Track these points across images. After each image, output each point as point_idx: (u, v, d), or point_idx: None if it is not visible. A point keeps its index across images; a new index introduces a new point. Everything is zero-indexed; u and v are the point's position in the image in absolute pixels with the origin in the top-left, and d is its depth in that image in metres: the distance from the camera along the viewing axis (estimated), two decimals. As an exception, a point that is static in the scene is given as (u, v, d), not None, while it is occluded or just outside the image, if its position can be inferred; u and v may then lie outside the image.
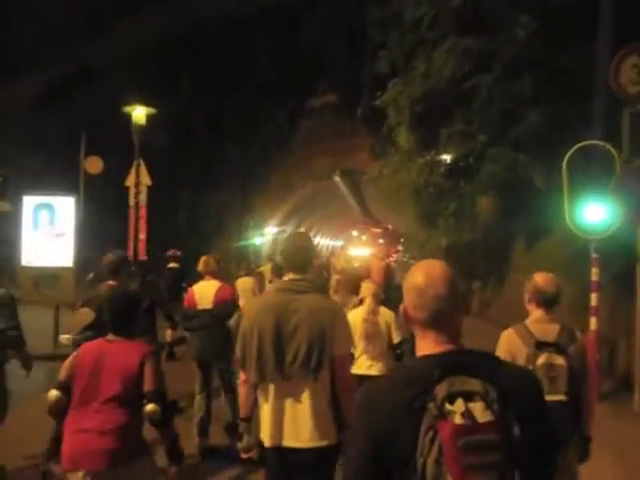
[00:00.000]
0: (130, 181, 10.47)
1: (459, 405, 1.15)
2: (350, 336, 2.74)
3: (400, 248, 39.99)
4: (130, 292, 3.38)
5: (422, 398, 1.18)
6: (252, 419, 2.66)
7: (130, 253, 9.90)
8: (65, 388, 2.53)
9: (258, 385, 2.52)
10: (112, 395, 2.47)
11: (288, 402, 2.46)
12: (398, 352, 4.31)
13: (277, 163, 21.21)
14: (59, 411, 2.54)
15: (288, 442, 2.45)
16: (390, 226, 43.02)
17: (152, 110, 10.23)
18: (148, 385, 2.51)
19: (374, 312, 4.32)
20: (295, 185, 21.16)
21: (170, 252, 9.90)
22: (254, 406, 2.62)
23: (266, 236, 23.47)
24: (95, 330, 3.42)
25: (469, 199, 11.02)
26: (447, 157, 10.63)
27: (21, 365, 3.96)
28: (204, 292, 4.82)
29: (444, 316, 1.30)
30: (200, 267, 5.03)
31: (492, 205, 11.75)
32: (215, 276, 4.96)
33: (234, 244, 21.02)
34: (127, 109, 10.07)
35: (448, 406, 1.15)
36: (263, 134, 21.12)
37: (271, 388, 2.49)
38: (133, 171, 10.36)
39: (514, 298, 4.67)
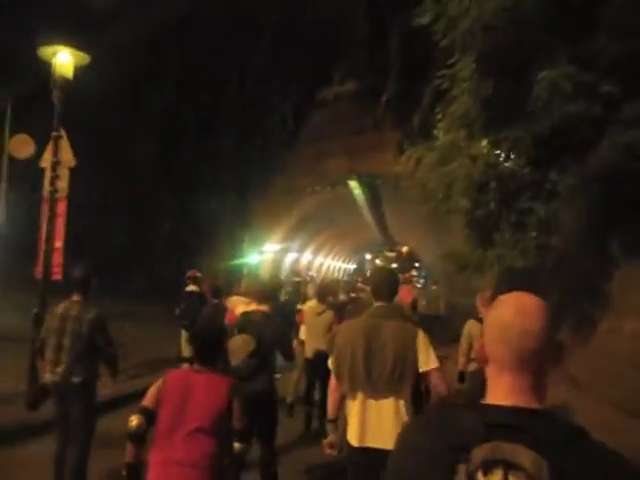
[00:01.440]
0: (45, 160, 6.65)
1: (496, 478, 0.96)
2: (432, 354, 2.97)
3: (414, 273, 36.95)
4: (219, 322, 4.09)
5: (455, 456, 0.98)
6: (338, 421, 3.11)
7: (38, 269, 6.23)
8: (148, 414, 2.54)
9: (348, 393, 2.99)
10: (199, 426, 2.48)
11: (374, 409, 2.93)
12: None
13: (280, 165, 17.43)
14: (139, 437, 2.53)
15: (372, 443, 2.87)
16: (405, 248, 40.06)
17: (84, 56, 6.42)
18: (237, 422, 2.57)
19: None
20: (301, 192, 17.33)
21: (189, 273, 8.71)
22: (340, 409, 3.10)
23: (265, 254, 19.57)
24: (257, 357, 3.81)
25: (561, 201, 7.06)
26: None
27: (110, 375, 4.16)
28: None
29: (530, 358, 1.08)
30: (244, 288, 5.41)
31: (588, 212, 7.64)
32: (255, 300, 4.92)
33: (225, 263, 17.18)
34: (44, 52, 6.29)
35: (481, 477, 0.96)
36: (263, 130, 17.49)
37: (360, 396, 2.96)
38: (50, 146, 6.55)
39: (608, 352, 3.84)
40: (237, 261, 17.58)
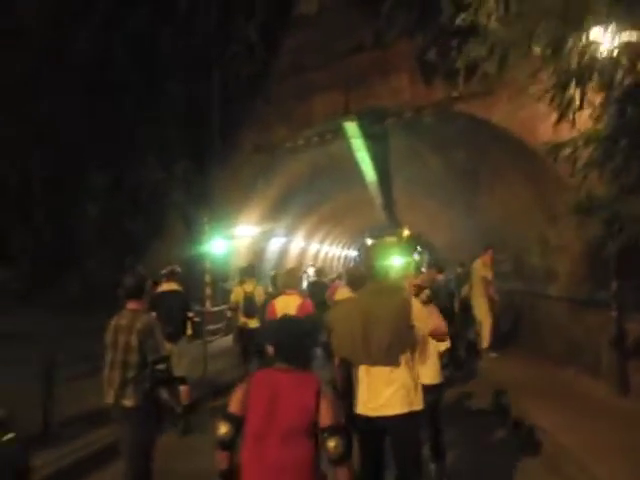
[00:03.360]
0: None
1: None
2: (425, 318, 3.20)
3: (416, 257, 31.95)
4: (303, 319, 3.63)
5: None
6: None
7: None
8: (236, 421, 2.51)
9: (353, 366, 3.35)
10: (291, 428, 2.43)
11: (378, 380, 3.15)
12: None
13: (248, 113, 12.43)
14: (228, 444, 2.52)
15: (379, 412, 3.14)
16: (406, 232, 35.12)
17: None
18: (326, 419, 2.46)
19: None
20: (280, 149, 12.28)
21: (168, 269, 7.12)
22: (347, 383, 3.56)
23: (239, 240, 14.59)
24: None
25: None
26: None
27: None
28: (288, 306, 5.11)
29: None
30: (282, 280, 5.66)
31: None
32: (296, 291, 5.49)
33: (178, 253, 12.26)
34: None
35: None
36: (222, 66, 12.47)
37: (363, 369, 3.21)
38: None
39: None
40: (195, 250, 12.72)
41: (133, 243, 12.96)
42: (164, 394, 3.95)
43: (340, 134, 12.02)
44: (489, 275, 10.13)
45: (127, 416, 3.67)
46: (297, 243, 21.43)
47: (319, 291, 9.75)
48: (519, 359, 9.62)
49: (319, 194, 18.29)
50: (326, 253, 29.63)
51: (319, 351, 4.43)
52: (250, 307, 8.31)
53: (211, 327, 12.35)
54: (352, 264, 30.30)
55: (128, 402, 3.65)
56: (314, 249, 25.58)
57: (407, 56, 9.99)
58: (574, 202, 5.74)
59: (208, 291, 12.11)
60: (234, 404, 2.51)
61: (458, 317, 10.39)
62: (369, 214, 24.36)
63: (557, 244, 9.66)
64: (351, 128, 10.82)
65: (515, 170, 10.16)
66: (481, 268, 10.13)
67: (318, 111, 11.72)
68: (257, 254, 16.36)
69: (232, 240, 14.04)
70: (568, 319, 8.98)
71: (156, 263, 12.15)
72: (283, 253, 19.84)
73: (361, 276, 4.53)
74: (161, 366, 3.70)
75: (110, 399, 3.71)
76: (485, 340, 9.96)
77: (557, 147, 5.42)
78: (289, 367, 2.54)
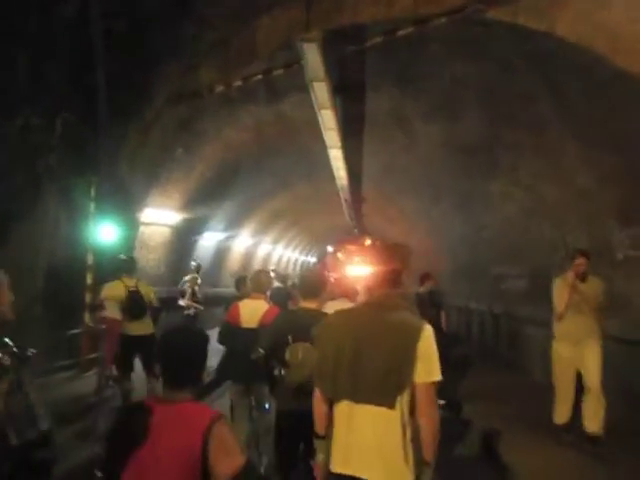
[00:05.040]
0: None
1: None
2: (435, 362, 2.36)
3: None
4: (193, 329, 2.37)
5: None
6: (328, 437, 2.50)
7: None
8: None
9: (332, 403, 2.48)
10: None
11: (361, 427, 2.37)
12: None
13: (165, 42, 8.49)
14: None
15: (356, 472, 2.34)
16: (368, 241, 31.36)
17: None
18: (222, 468, 1.85)
19: None
20: (209, 96, 8.24)
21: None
22: (329, 424, 2.51)
23: (149, 229, 10.55)
24: None
25: None
26: None
27: None
28: (254, 310, 4.76)
29: None
30: (251, 283, 5.14)
31: None
32: (264, 295, 5.02)
33: (54, 242, 8.30)
34: None
35: None
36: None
37: (344, 409, 2.43)
38: None
39: None
40: (76, 239, 8.57)
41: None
42: None
43: (296, 77, 8.05)
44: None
45: None
46: (242, 241, 17.31)
47: (282, 300, 8.15)
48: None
49: (272, 178, 14.23)
50: (280, 257, 25.53)
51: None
52: (137, 306, 6.59)
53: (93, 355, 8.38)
54: (306, 269, 26.38)
55: None
56: (264, 250, 21.45)
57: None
58: None
59: (88, 298, 8.19)
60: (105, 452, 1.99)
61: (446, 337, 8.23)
62: (336, 211, 20.24)
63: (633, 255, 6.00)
64: (312, 58, 6.86)
65: (579, 127, 6.37)
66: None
67: (265, 38, 7.76)
68: (180, 250, 12.22)
69: (136, 228, 9.90)
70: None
71: (20, 254, 8.29)
72: (221, 252, 15.69)
73: (317, 283, 3.87)
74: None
75: None
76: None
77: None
78: (174, 394, 1.98)
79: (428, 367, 2.32)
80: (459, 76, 7.03)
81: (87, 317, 8.33)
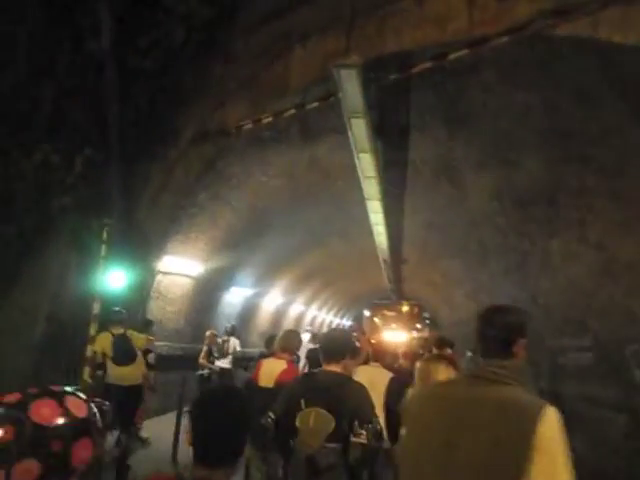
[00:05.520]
0: None
1: None
2: (561, 458, 1.71)
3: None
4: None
5: None
6: None
7: None
8: None
9: None
10: None
11: None
12: None
13: (197, 81, 7.94)
14: None
15: None
16: (405, 307, 30.53)
17: None
18: None
19: None
20: (236, 135, 7.54)
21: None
22: None
23: (168, 279, 9.73)
24: (338, 439, 3.03)
25: None
26: None
27: None
28: (272, 369, 4.62)
29: None
30: (278, 342, 4.93)
31: None
32: (289, 356, 4.83)
33: (63, 289, 7.57)
34: None
35: None
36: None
37: None
38: None
39: None
40: (86, 290, 7.77)
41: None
42: None
43: (331, 115, 7.27)
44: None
45: None
46: (272, 299, 16.30)
47: (317, 361, 6.68)
48: None
49: (305, 232, 13.38)
50: (313, 317, 24.34)
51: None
52: (121, 351, 6.45)
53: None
54: (330, 329, 25.07)
55: None
56: (296, 310, 20.37)
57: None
58: None
59: (89, 352, 7.36)
60: None
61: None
62: (373, 273, 19.11)
63: None
64: (351, 89, 6.06)
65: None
66: None
67: (299, 71, 7.06)
68: (203, 304, 11.29)
69: (152, 277, 9.07)
70: None
71: (23, 297, 7.68)
72: (249, 309, 14.70)
73: (341, 346, 3.42)
74: None
75: None
76: None
77: None
78: (208, 475, 1.60)
79: (551, 467, 1.71)
80: (518, 110, 6.08)
81: (85, 373, 7.40)
